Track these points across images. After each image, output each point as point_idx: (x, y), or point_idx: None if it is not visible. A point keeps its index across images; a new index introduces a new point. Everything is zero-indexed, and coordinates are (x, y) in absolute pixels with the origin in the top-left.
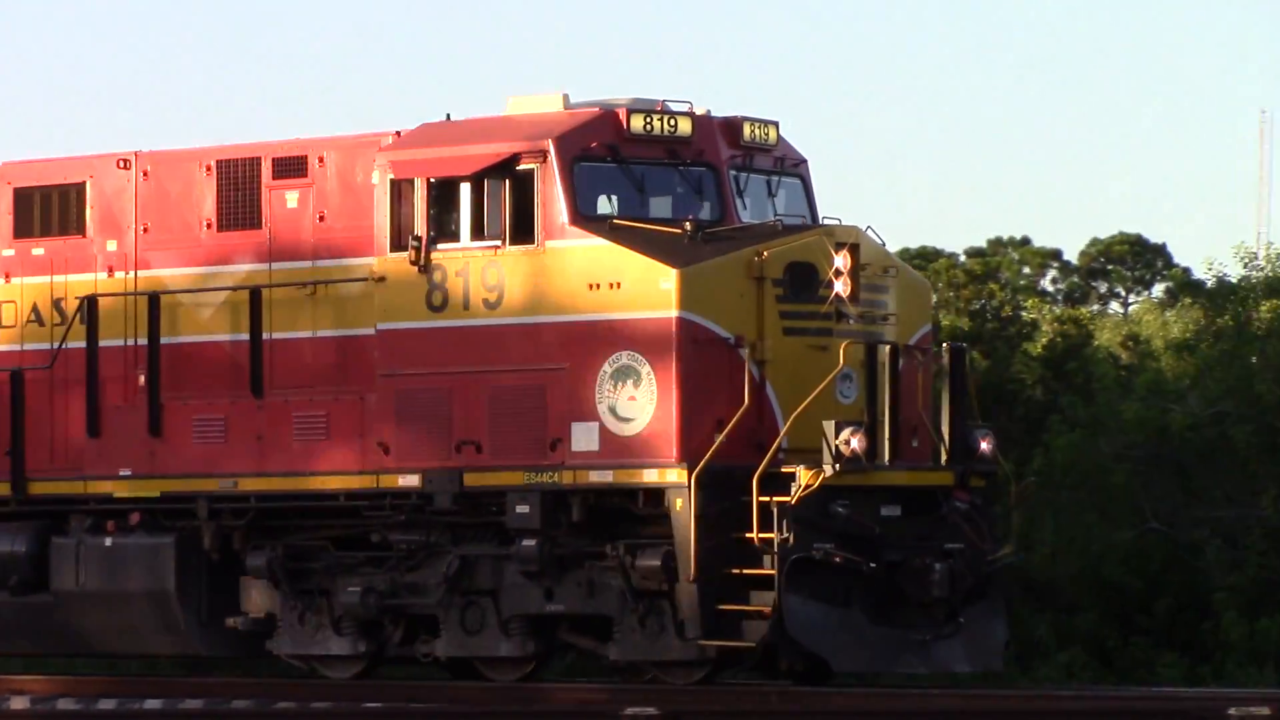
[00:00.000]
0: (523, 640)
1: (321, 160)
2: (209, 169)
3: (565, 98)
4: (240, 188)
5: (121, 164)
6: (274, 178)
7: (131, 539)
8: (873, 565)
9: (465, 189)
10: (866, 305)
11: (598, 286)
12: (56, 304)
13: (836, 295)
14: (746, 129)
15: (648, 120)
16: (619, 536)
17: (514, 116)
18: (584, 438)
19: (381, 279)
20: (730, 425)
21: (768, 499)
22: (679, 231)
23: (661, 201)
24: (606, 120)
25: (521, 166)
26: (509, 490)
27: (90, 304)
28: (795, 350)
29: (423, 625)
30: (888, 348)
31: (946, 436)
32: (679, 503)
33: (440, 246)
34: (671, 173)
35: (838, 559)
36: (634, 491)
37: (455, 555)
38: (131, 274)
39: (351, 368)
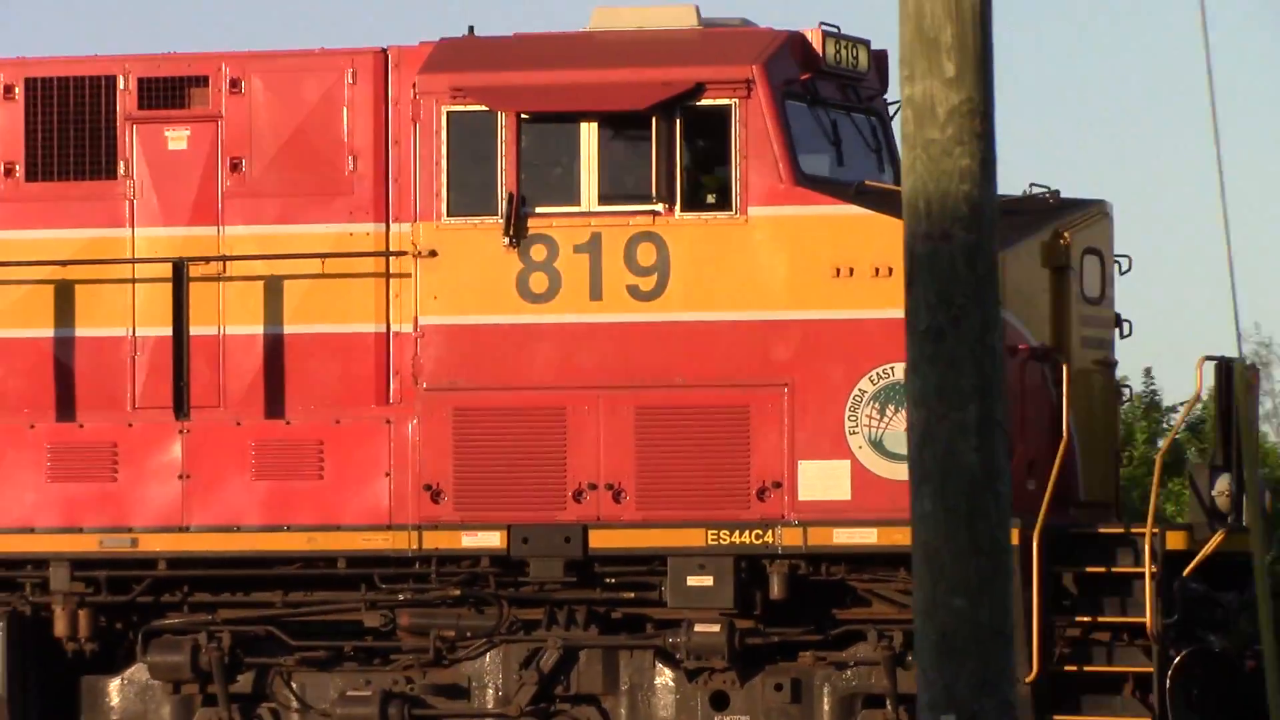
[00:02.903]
0: None
1: (237, 84)
2: (7, 90)
3: (697, 10)
4: (79, 121)
5: None
6: (140, 108)
7: None
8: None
9: (589, 131)
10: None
11: (849, 273)
12: None
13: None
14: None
15: (839, 48)
16: (828, 623)
17: (654, 33)
18: (823, 482)
19: (431, 254)
20: (1056, 468)
21: (1102, 570)
22: None
23: (847, 158)
24: (800, 44)
25: (707, 102)
26: (676, 554)
27: None
28: (1087, 367)
29: None
30: (1239, 365)
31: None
32: None
33: (543, 211)
34: (846, 120)
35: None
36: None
37: (549, 645)
38: None
39: (360, 378)
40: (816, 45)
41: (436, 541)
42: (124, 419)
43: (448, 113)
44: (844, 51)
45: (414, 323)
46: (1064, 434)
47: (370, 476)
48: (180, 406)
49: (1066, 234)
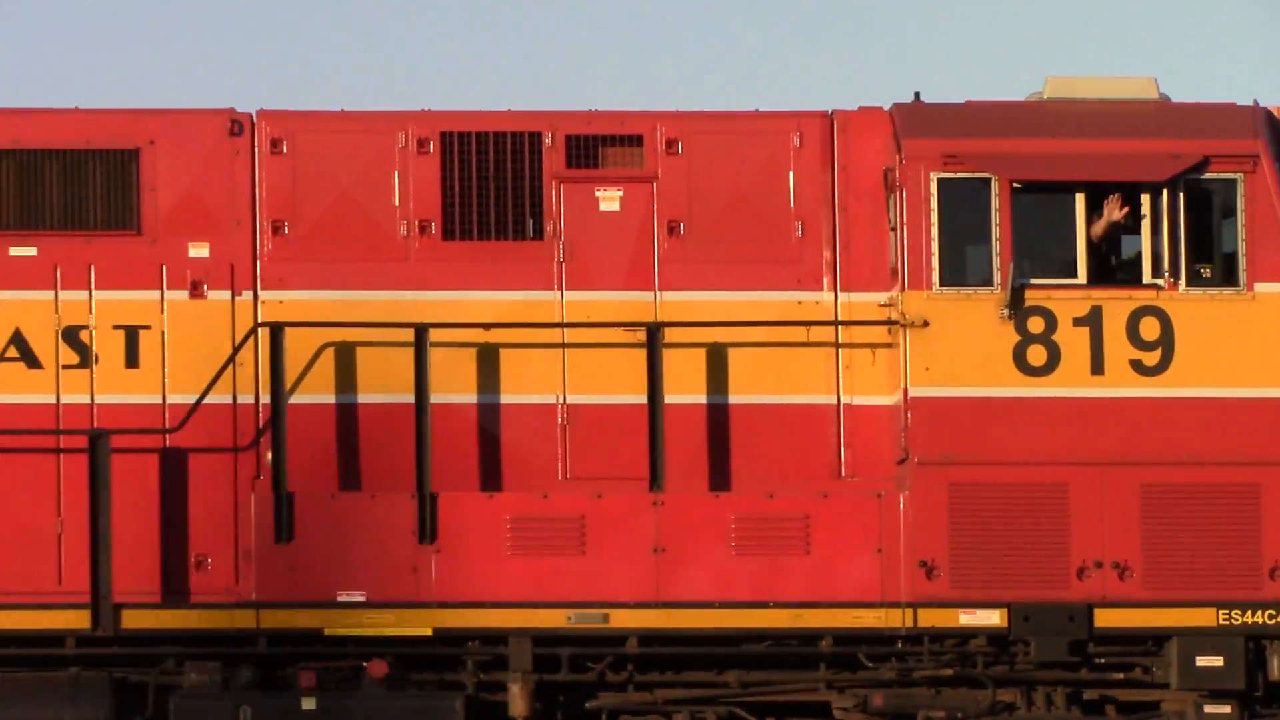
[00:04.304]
0: None
1: (674, 144)
2: (421, 144)
3: (1156, 82)
4: (499, 178)
5: None
6: (569, 166)
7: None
8: None
9: (1077, 203)
10: None
11: None
12: None
13: None
14: None
15: None
16: None
17: (1141, 104)
18: None
19: (923, 324)
20: None
21: None
22: None
23: None
24: (1273, 120)
25: (1211, 175)
26: (1184, 634)
27: None
28: None
29: None
30: None
31: None
32: None
33: (1038, 282)
34: None
35: None
36: None
37: None
38: None
39: (811, 451)
40: None
41: (932, 619)
42: (593, 490)
43: (939, 180)
44: None
45: (903, 395)
46: None
47: (860, 552)
48: (656, 478)
49: None
